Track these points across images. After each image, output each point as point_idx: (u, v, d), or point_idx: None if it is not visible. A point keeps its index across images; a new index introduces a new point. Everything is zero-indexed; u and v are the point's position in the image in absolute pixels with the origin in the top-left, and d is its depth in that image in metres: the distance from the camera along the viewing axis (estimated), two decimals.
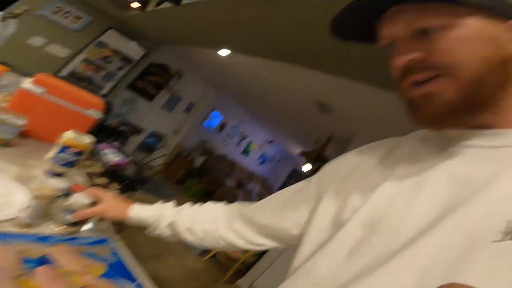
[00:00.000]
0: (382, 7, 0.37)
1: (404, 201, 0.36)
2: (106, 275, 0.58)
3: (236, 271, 2.81)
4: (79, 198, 0.69)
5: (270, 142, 8.37)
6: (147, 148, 5.00)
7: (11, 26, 1.45)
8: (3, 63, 1.63)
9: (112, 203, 0.71)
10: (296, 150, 6.35)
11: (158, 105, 5.10)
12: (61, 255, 0.57)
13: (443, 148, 0.38)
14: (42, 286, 0.46)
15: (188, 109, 5.69)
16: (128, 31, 3.97)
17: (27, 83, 1.05)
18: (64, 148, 0.92)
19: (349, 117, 2.82)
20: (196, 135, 6.21)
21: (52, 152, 0.91)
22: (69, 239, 0.66)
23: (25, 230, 0.62)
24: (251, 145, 7.81)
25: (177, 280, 2.32)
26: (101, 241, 0.72)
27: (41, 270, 0.49)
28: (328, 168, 0.54)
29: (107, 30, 3.82)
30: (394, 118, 2.14)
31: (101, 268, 0.60)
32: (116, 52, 4.02)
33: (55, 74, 3.61)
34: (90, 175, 1.88)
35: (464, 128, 0.37)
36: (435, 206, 0.33)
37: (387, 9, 0.37)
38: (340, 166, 0.52)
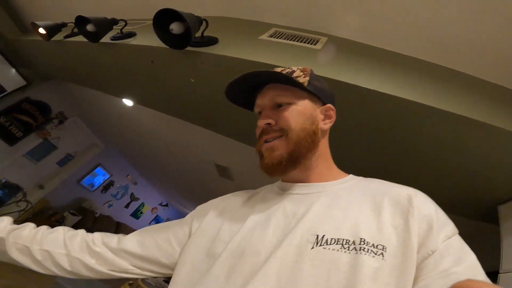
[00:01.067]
0: (261, 83, 0.58)
1: (260, 231, 0.50)
2: None
3: None
4: None
5: (165, 205, 7.76)
6: None
7: None
8: None
9: None
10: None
11: (21, 151, 4.02)
12: None
13: (280, 194, 0.58)
14: None
15: (64, 161, 4.68)
16: (12, 56, 3.27)
17: None
18: None
19: (247, 181, 3.04)
20: (70, 192, 5.08)
21: None
22: None
23: None
24: (143, 207, 6.98)
25: None
26: None
27: None
28: (200, 209, 0.67)
29: None
30: None
31: None
32: None
33: None
34: None
35: (289, 182, 0.58)
36: (278, 232, 0.49)
37: (264, 86, 0.58)
38: (211, 207, 0.64)
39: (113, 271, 0.61)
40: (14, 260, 0.60)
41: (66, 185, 4.83)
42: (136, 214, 6.90)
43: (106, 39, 1.63)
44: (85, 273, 0.60)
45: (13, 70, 3.40)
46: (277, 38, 1.35)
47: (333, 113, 0.59)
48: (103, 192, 5.74)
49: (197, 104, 1.81)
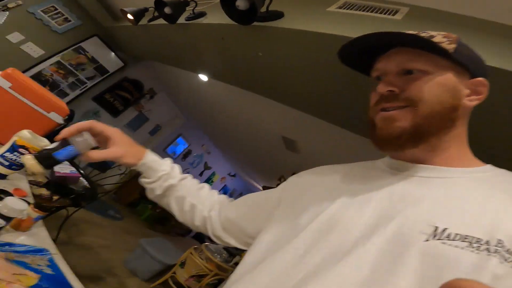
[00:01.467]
0: (387, 47, 0.47)
1: (356, 209, 0.44)
2: (36, 287, 0.53)
3: None
4: (15, 204, 0.64)
5: (233, 175, 8.36)
6: (101, 165, 4.64)
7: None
8: None
9: (127, 146, 0.64)
10: (259, 185, 6.40)
11: (122, 122, 4.89)
12: None
13: (388, 173, 0.49)
14: None
15: (154, 131, 5.51)
16: (111, 42, 3.93)
17: None
18: (16, 148, 0.85)
19: (314, 156, 2.98)
20: None
21: (2, 151, 0.83)
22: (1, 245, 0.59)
23: None
24: (214, 176, 7.72)
25: None
26: (38, 251, 0.65)
27: None
28: (291, 180, 0.63)
29: (91, 36, 3.75)
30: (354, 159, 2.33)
31: (32, 279, 0.55)
32: (92, 61, 3.89)
33: (23, 72, 3.36)
34: (31, 184, 1.69)
35: (404, 160, 0.48)
36: (379, 214, 0.41)
37: (390, 49, 0.47)
38: (303, 179, 0.60)
39: (213, 235, 0.66)
40: (168, 206, 0.69)
41: (155, 152, 5.68)
42: (208, 182, 7.63)
43: (181, 20, 1.76)
44: (204, 231, 0.68)
45: (112, 54, 4.08)
46: (347, 9, 1.23)
47: (484, 89, 0.47)
48: (183, 160, 6.54)
49: (266, 76, 1.83)
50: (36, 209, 0.74)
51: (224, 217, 0.65)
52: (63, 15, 3.48)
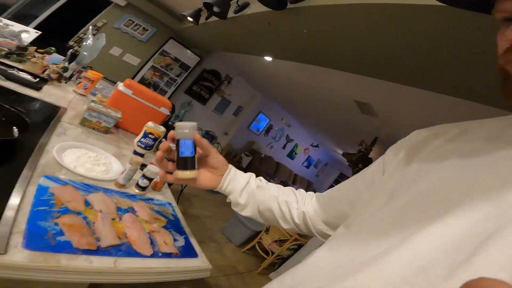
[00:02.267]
0: None
1: (467, 178, 0.33)
2: (165, 227, 0.84)
3: (271, 264, 2.94)
4: (153, 169, 0.97)
5: (316, 146, 8.32)
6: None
7: (101, 39, 1.87)
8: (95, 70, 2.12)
9: (206, 174, 0.65)
10: (339, 152, 6.22)
11: (210, 108, 5.61)
12: (140, 208, 0.85)
13: None
14: (126, 227, 0.73)
15: (237, 112, 6.09)
16: (184, 41, 4.55)
17: (120, 86, 1.43)
18: (147, 134, 1.24)
19: (391, 118, 2.77)
20: (244, 136, 6.57)
21: (138, 137, 1.24)
22: (146, 199, 0.94)
23: (120, 189, 0.92)
24: (296, 148, 7.88)
25: (214, 264, 2.60)
26: (166, 204, 0.99)
27: (126, 216, 0.77)
28: (392, 150, 0.50)
29: (168, 39, 4.44)
30: (436, 118, 2.09)
31: (163, 222, 0.86)
32: (176, 60, 4.62)
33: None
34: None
35: None
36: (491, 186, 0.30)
37: None
38: (404, 148, 0.47)
39: (317, 231, 0.64)
40: (263, 213, 0.66)
41: (240, 131, 6.32)
42: (291, 155, 7.93)
43: (230, 14, 1.97)
44: (304, 228, 0.65)
45: (188, 51, 4.69)
46: None
47: None
48: (266, 135, 6.98)
49: (320, 49, 1.85)
50: None
51: (322, 209, 0.61)
52: (140, 25, 4.19)
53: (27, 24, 3.47)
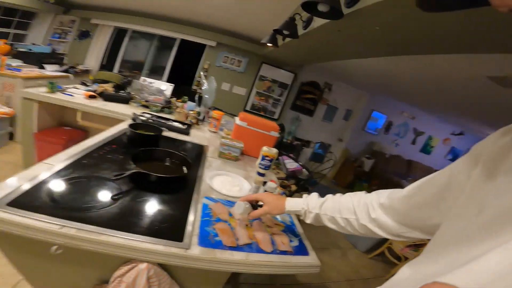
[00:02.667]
0: None
1: None
2: (283, 231, 1.01)
3: None
4: (271, 185, 1.17)
5: (459, 134, 6.74)
6: (317, 158, 5.65)
7: (213, 82, 2.36)
8: (216, 109, 2.66)
9: (272, 204, 0.90)
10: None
11: (318, 118, 5.69)
12: (264, 217, 1.05)
13: None
14: (254, 230, 0.94)
15: (347, 116, 5.90)
16: (274, 62, 4.94)
17: (237, 120, 1.78)
18: (263, 157, 1.49)
19: None
20: (361, 139, 6.23)
21: (258, 160, 1.51)
22: None
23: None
24: (431, 141, 6.66)
25: (336, 269, 2.53)
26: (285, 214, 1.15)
27: (255, 223, 0.98)
28: (476, 150, 0.47)
29: (261, 65, 4.95)
30: None
31: (281, 226, 1.04)
32: (274, 81, 5.07)
33: (244, 109, 5.07)
34: (280, 179, 2.58)
35: None
36: None
37: None
38: (491, 145, 0.43)
39: (390, 234, 0.65)
40: (327, 226, 0.81)
41: (355, 134, 6.03)
42: (426, 149, 6.71)
43: (300, 31, 2.11)
44: (371, 235, 0.70)
45: (282, 70, 5.03)
46: None
47: None
48: (386, 133, 6.30)
49: (405, 39, 1.67)
50: (280, 187, 1.29)
51: (396, 211, 0.63)
52: (235, 59, 4.83)
53: (160, 77, 4.80)
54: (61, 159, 1.01)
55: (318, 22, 1.89)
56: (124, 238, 0.73)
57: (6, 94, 3.00)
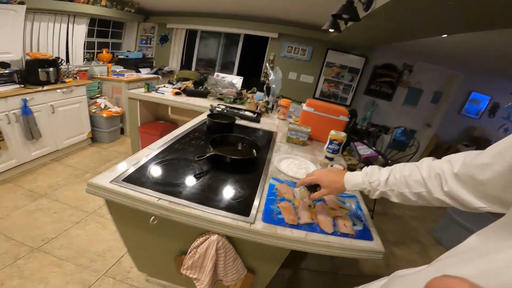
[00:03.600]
0: None
1: None
2: (348, 214, 1.01)
3: None
4: (338, 167, 1.17)
5: None
6: (398, 145, 5.14)
7: (278, 72, 2.42)
8: (284, 97, 2.71)
9: (331, 187, 0.87)
10: None
11: (399, 102, 5.13)
12: (328, 199, 1.08)
13: None
14: (317, 211, 0.97)
15: (435, 99, 5.14)
16: (341, 47, 4.67)
17: (304, 107, 1.81)
18: (331, 141, 1.49)
19: None
20: (456, 123, 5.35)
21: (326, 144, 1.52)
22: None
23: None
24: None
25: (411, 265, 2.25)
26: (351, 196, 1.16)
27: (318, 204, 1.02)
28: None
29: (327, 51, 4.75)
30: None
31: (346, 210, 1.04)
32: (342, 67, 4.81)
33: (313, 96, 5.00)
34: (351, 166, 2.51)
35: None
36: None
37: None
38: None
39: (466, 207, 0.59)
40: (395, 201, 0.76)
41: (449, 119, 5.19)
42: None
43: (361, 13, 1.96)
44: (448, 206, 0.64)
45: (350, 55, 4.70)
46: None
47: None
48: (491, 116, 5.22)
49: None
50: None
51: (473, 181, 0.54)
52: (298, 48, 4.74)
53: (231, 72, 5.10)
54: (158, 146, 1.26)
55: (380, 1, 1.75)
56: (202, 211, 0.88)
57: (116, 96, 3.76)
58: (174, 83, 2.91)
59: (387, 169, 0.79)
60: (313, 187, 0.93)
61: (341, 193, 0.92)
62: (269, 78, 2.52)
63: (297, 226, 0.89)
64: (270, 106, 2.52)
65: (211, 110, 2.09)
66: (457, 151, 3.76)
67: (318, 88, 5.02)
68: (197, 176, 1.04)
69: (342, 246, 0.85)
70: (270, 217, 0.90)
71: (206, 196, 0.95)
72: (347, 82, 4.91)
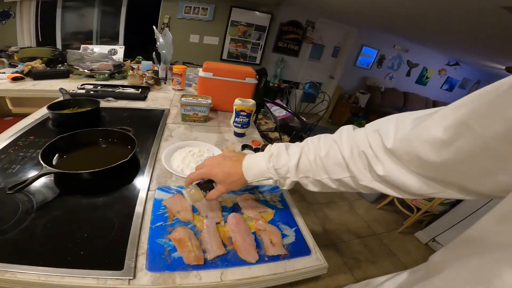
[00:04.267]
0: None
1: None
2: (272, 221, 0.73)
3: (418, 221, 2.52)
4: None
5: (455, 64, 6.44)
6: (309, 97, 5.36)
7: (168, 34, 1.94)
8: (184, 63, 2.23)
9: (227, 181, 0.63)
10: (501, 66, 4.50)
11: (305, 57, 5.28)
12: (244, 203, 0.76)
13: None
14: (230, 230, 0.66)
15: (335, 53, 5.55)
16: (246, 4, 4.32)
17: (201, 72, 1.40)
18: (238, 113, 1.16)
19: None
20: (353, 75, 5.95)
21: (232, 118, 1.18)
22: (251, 190, 0.84)
23: None
24: (426, 72, 6.39)
25: (345, 226, 2.42)
26: (274, 188, 0.87)
27: (230, 217, 0.70)
28: None
29: (230, 9, 4.33)
30: None
31: (270, 214, 0.75)
32: (249, 25, 4.52)
33: (220, 59, 4.61)
34: (266, 132, 2.28)
35: None
36: None
37: None
38: None
39: (409, 194, 0.44)
40: (314, 191, 0.59)
41: (347, 71, 5.73)
42: (421, 81, 6.52)
43: None
44: (379, 192, 0.49)
45: (256, 12, 4.43)
46: None
47: None
48: (379, 67, 5.93)
49: None
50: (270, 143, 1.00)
51: (421, 161, 0.38)
52: (198, 7, 4.18)
53: (117, 43, 4.15)
54: None
55: None
56: (37, 274, 0.49)
57: None
58: (18, 65, 2.00)
59: (297, 146, 0.59)
60: (208, 183, 0.65)
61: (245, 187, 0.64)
62: (158, 43, 1.97)
63: (206, 265, 0.57)
64: (163, 75, 2.00)
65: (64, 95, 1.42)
66: (356, 99, 4.02)
67: (225, 49, 4.61)
68: (18, 220, 0.57)
69: (274, 276, 0.58)
70: (161, 260, 0.56)
71: (42, 248, 0.53)
72: (254, 40, 4.66)
